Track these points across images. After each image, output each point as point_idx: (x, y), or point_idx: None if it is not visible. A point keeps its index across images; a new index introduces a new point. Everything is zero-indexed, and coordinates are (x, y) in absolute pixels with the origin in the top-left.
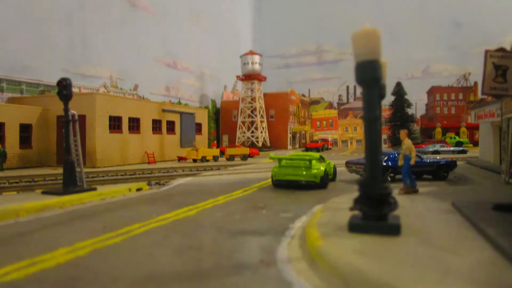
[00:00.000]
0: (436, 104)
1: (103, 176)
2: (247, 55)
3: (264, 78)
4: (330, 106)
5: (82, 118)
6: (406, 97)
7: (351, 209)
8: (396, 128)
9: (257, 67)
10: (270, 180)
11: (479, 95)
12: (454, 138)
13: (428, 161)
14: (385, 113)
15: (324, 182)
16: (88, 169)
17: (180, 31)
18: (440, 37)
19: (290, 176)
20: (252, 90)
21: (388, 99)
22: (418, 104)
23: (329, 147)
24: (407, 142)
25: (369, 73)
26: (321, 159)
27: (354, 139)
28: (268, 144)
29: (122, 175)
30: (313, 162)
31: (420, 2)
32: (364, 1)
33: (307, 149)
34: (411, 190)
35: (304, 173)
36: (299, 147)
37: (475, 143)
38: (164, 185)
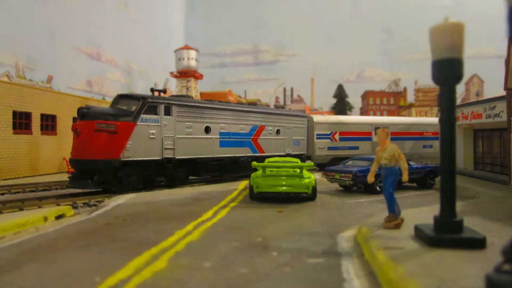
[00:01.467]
0: (370, 108)
1: (2, 194)
2: (183, 49)
3: (201, 76)
4: None
5: None
6: (347, 99)
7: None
8: None
9: (193, 63)
10: (235, 193)
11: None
12: None
13: (415, 166)
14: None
15: (314, 193)
16: None
17: (104, 18)
18: (373, 43)
19: (278, 187)
20: (187, 89)
21: (330, 101)
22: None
23: None
24: (390, 148)
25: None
26: None
27: None
28: None
29: (32, 191)
30: (304, 170)
31: (354, 7)
32: (300, 2)
33: None
34: (400, 220)
35: (295, 183)
36: None
37: None
38: (96, 206)
